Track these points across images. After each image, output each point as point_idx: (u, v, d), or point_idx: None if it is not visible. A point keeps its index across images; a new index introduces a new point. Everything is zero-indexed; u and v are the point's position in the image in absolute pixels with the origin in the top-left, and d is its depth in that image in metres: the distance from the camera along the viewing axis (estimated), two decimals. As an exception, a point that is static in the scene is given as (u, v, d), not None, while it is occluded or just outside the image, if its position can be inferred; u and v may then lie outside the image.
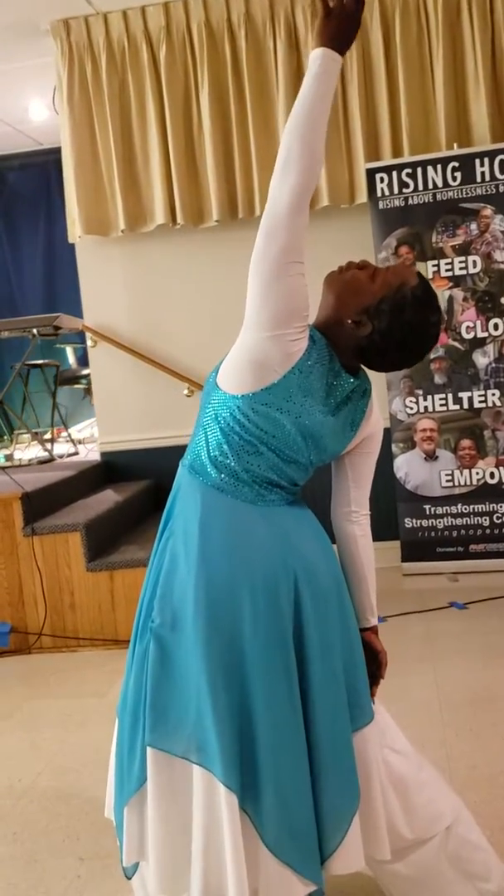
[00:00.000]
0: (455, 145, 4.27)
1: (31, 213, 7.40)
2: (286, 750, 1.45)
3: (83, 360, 6.81)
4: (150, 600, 1.55)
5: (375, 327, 1.50)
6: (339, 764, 1.50)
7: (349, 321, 1.52)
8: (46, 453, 5.43)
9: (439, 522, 4.31)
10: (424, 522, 4.32)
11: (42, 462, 5.26)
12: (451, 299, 4.18)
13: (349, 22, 1.45)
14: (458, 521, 4.29)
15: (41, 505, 3.92)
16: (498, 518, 4.24)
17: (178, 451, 1.71)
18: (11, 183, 7.31)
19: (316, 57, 1.44)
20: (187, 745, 1.46)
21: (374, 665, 1.70)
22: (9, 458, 5.54)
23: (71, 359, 7.23)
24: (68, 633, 3.76)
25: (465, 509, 4.28)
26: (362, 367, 1.61)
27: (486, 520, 4.26)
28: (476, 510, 4.27)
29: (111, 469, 4.97)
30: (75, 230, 4.73)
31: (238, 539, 1.50)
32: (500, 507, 4.24)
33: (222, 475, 1.54)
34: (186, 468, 1.60)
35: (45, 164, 7.00)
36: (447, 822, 1.62)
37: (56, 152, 5.03)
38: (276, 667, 1.45)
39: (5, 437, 6.70)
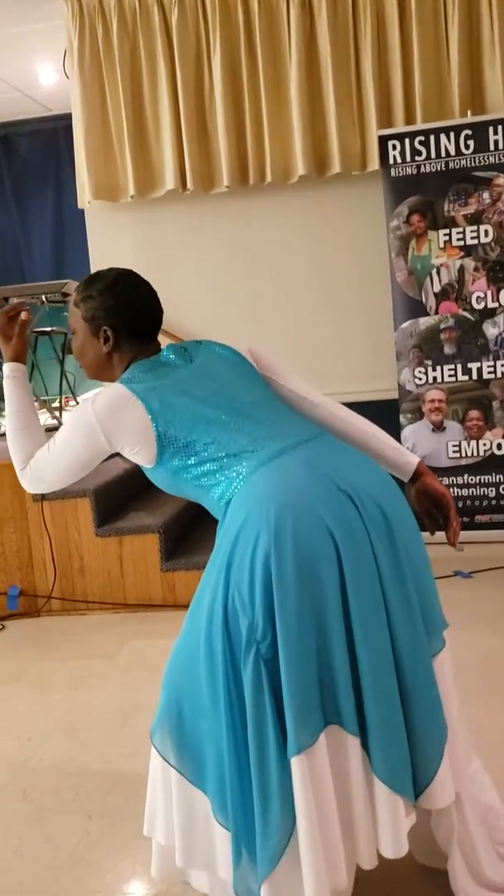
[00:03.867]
0: (469, 112, 4.22)
1: (40, 180, 7.34)
2: (385, 684, 1.46)
3: (91, 328, 6.79)
4: (227, 620, 1.48)
5: (104, 321, 1.74)
6: (426, 695, 1.51)
7: (104, 348, 1.76)
8: (55, 421, 5.44)
9: (446, 493, 4.32)
10: (431, 493, 4.33)
11: (50, 429, 5.27)
12: (461, 269, 4.16)
13: None
14: (465, 492, 4.30)
15: (50, 471, 3.93)
16: (504, 489, 4.25)
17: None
18: (21, 149, 7.25)
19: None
20: (322, 717, 1.46)
21: (444, 509, 1.70)
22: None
23: (79, 326, 7.21)
24: (77, 597, 3.80)
25: (472, 480, 4.29)
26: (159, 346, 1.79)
27: (492, 490, 4.27)
28: (483, 481, 4.28)
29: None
30: (84, 196, 4.70)
31: (287, 495, 1.47)
32: (507, 478, 4.24)
33: (225, 484, 1.57)
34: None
35: (54, 131, 6.93)
36: (476, 780, 1.65)
37: (66, 118, 4.99)
38: (371, 598, 1.45)
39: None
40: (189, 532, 4.10)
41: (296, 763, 1.42)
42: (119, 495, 4.04)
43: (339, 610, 1.44)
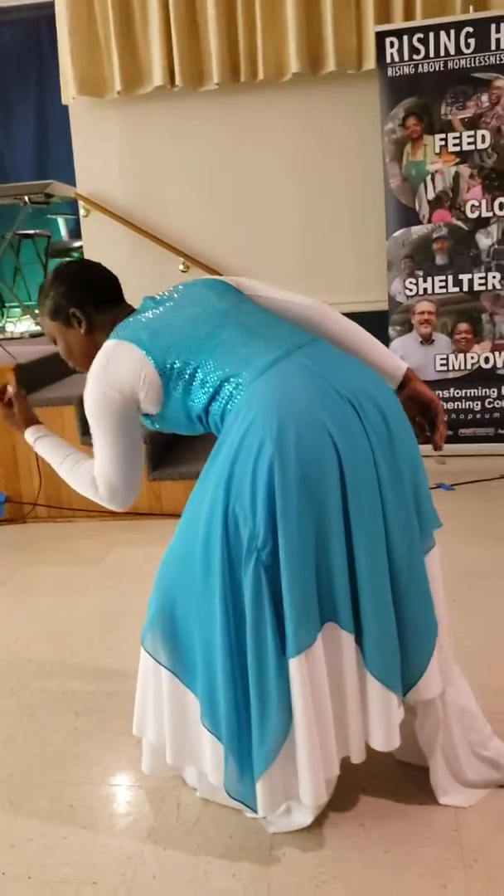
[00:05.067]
0: (471, 8, 4.04)
1: (21, 74, 7.03)
2: (380, 583, 1.50)
3: (75, 233, 6.63)
4: (227, 525, 1.49)
5: (67, 306, 1.75)
6: (418, 592, 1.56)
7: (81, 330, 1.77)
8: (38, 327, 5.36)
9: (432, 406, 4.32)
10: (417, 406, 4.33)
11: (34, 336, 5.21)
12: (457, 176, 4.05)
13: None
14: (450, 405, 4.30)
15: (35, 377, 3.90)
16: (489, 403, 4.25)
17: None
18: (0, 40, 6.91)
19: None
20: (319, 617, 1.49)
21: (430, 414, 1.72)
22: (0, 330, 5.48)
23: (63, 231, 7.04)
24: (63, 504, 3.82)
25: (458, 393, 4.28)
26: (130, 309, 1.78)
27: (477, 404, 4.27)
28: (468, 395, 4.27)
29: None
30: (69, 91, 4.51)
31: (289, 404, 1.47)
32: (492, 391, 4.24)
33: (227, 398, 1.56)
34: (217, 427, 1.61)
35: (36, 21, 6.61)
36: (454, 683, 1.71)
37: (49, 7, 4.74)
38: (370, 501, 1.48)
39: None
40: (176, 443, 4.10)
41: (294, 664, 1.47)
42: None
43: (339, 512, 1.47)
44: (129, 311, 1.77)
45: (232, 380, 1.55)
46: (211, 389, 1.57)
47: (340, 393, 1.49)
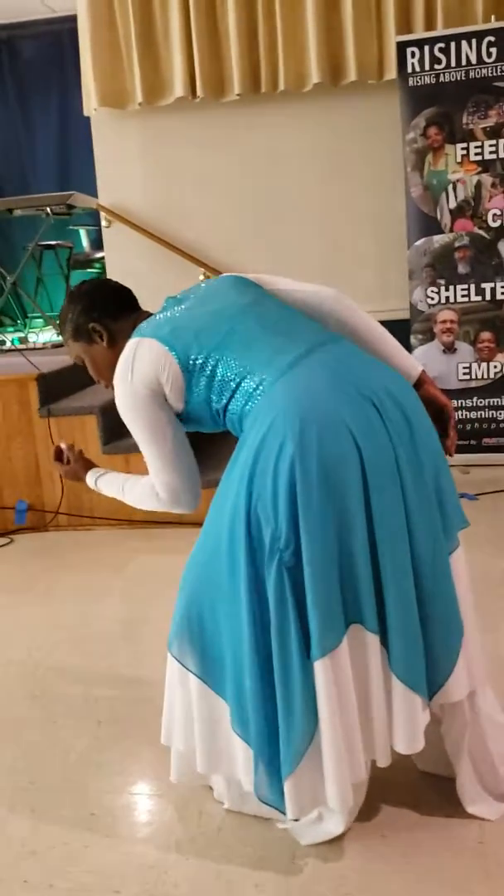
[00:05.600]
0: (493, 18, 4.04)
1: (44, 86, 7.09)
2: (405, 584, 1.49)
3: (97, 244, 6.67)
4: (249, 526, 1.49)
5: (87, 322, 1.78)
6: (443, 593, 1.55)
7: (104, 343, 1.79)
8: (60, 338, 5.39)
9: (454, 415, 4.30)
10: (439, 415, 4.31)
11: (56, 346, 5.24)
12: (478, 185, 4.04)
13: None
14: (473, 415, 4.28)
15: (57, 387, 3.92)
16: (513, 412, 4.23)
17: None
18: (24, 53, 6.99)
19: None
20: (344, 619, 1.49)
21: (442, 419, 1.71)
22: (22, 340, 5.52)
23: (84, 242, 7.09)
24: (84, 513, 3.83)
25: (481, 402, 4.26)
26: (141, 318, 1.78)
27: (500, 413, 4.25)
28: (491, 404, 4.25)
29: (126, 354, 4.93)
30: (90, 102, 4.56)
31: (311, 403, 1.47)
32: (516, 401, 4.22)
33: (247, 397, 1.56)
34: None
35: (59, 33, 6.67)
36: (483, 684, 1.69)
37: (71, 20, 4.80)
38: (392, 501, 1.48)
39: (18, 321, 6.65)
40: (196, 451, 4.09)
41: (319, 666, 1.46)
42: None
43: (362, 513, 1.46)
44: (147, 315, 1.78)
45: (251, 378, 1.55)
46: (233, 385, 1.57)
47: (362, 392, 1.49)
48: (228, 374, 1.57)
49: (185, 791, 1.86)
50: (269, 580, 1.46)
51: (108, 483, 1.90)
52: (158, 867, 1.64)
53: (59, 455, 2.06)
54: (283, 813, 1.55)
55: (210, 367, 1.59)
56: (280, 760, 1.51)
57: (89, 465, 2.01)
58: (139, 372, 1.63)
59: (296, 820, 1.62)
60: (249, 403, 1.55)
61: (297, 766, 1.50)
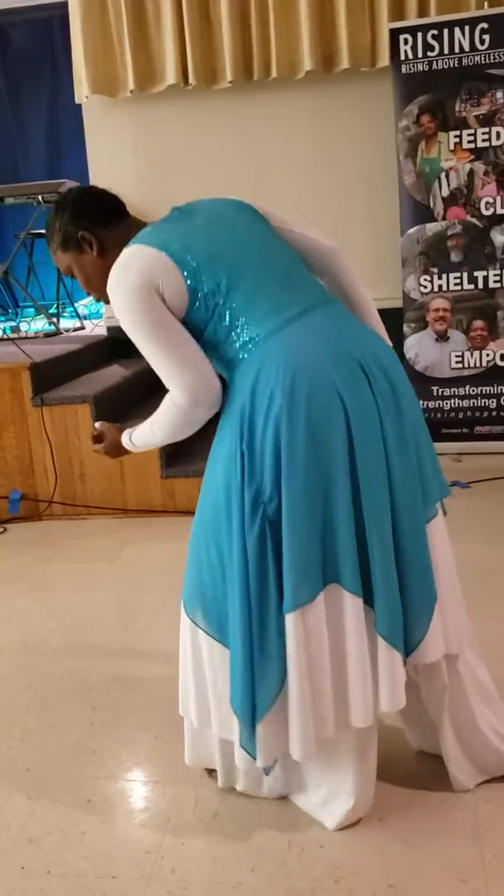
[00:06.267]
0: (486, 4, 4.02)
1: (34, 73, 7.03)
2: (386, 547, 1.51)
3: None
4: (232, 485, 1.52)
5: (76, 230, 1.70)
6: (420, 558, 1.57)
7: (94, 252, 1.71)
8: (52, 326, 5.37)
9: (446, 404, 4.30)
10: (431, 404, 4.32)
11: (48, 335, 5.22)
12: (471, 173, 4.04)
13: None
14: (465, 403, 4.29)
15: (50, 376, 3.91)
16: (505, 400, 4.24)
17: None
18: (13, 39, 6.92)
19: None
20: (322, 577, 1.51)
21: None
22: (14, 329, 5.50)
23: (76, 231, 7.04)
24: (78, 502, 3.83)
25: (473, 391, 4.27)
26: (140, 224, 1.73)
27: (492, 402, 4.26)
28: (483, 392, 4.26)
29: (117, 344, 4.92)
30: (82, 90, 4.53)
31: (304, 359, 1.49)
32: (509, 389, 4.22)
33: (243, 340, 1.56)
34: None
35: (49, 20, 6.61)
36: (469, 647, 1.71)
37: (62, 7, 4.76)
38: (377, 465, 1.50)
39: (10, 310, 6.62)
40: (189, 441, 4.09)
41: (290, 619, 1.49)
42: (118, 403, 4.02)
43: (346, 475, 1.48)
44: (140, 224, 1.71)
45: (248, 329, 1.54)
46: (229, 331, 1.56)
47: (353, 355, 1.51)
48: (229, 316, 1.55)
49: (181, 777, 1.87)
50: (252, 532, 1.49)
51: (139, 436, 1.75)
52: (155, 852, 1.65)
53: (97, 439, 1.92)
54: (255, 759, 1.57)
55: (213, 304, 1.55)
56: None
57: (120, 432, 1.85)
58: (138, 273, 1.54)
59: (266, 771, 1.66)
60: (242, 353, 1.55)
61: (266, 713, 1.53)
